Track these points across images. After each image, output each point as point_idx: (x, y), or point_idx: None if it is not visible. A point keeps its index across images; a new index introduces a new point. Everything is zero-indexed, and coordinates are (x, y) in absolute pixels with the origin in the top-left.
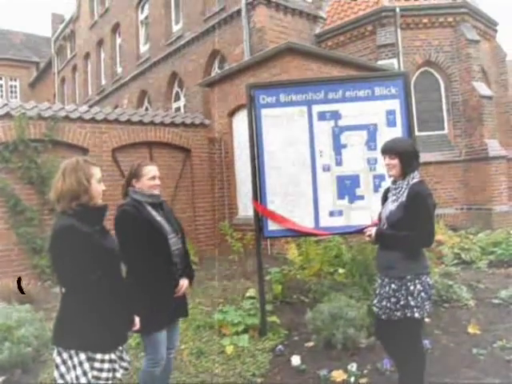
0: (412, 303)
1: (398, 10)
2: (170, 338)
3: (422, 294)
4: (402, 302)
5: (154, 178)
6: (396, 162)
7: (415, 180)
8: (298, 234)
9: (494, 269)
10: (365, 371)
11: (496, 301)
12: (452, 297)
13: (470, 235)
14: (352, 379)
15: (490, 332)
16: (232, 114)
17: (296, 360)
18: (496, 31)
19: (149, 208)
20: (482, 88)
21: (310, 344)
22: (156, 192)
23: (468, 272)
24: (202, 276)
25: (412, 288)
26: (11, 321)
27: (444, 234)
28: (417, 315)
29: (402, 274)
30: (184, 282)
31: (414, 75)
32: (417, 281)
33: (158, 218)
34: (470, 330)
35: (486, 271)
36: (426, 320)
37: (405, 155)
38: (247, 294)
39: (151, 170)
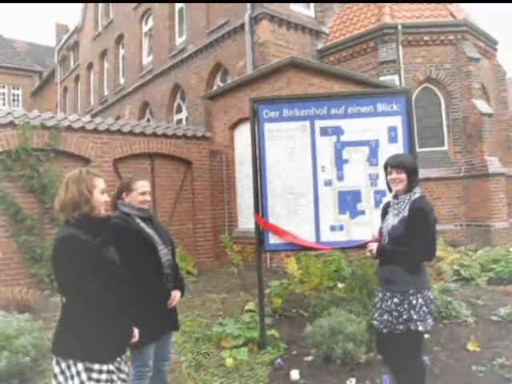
0: (415, 317)
1: (399, 27)
2: (162, 351)
3: (424, 308)
4: (404, 316)
5: (144, 193)
6: (403, 176)
7: (417, 195)
8: (298, 248)
9: (493, 286)
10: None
11: (495, 318)
12: (451, 313)
13: (469, 252)
14: None
15: (489, 349)
16: (234, 127)
17: (295, 374)
18: (496, 49)
19: (138, 220)
20: (482, 105)
21: (309, 358)
22: (145, 206)
23: (467, 289)
24: (201, 288)
25: (414, 302)
26: (10, 329)
27: (443, 250)
28: (420, 328)
29: (405, 289)
30: (176, 294)
31: (415, 92)
32: (419, 295)
33: (148, 229)
34: (470, 346)
35: (486, 288)
36: (426, 336)
37: (412, 170)
38: (246, 307)
39: (143, 186)
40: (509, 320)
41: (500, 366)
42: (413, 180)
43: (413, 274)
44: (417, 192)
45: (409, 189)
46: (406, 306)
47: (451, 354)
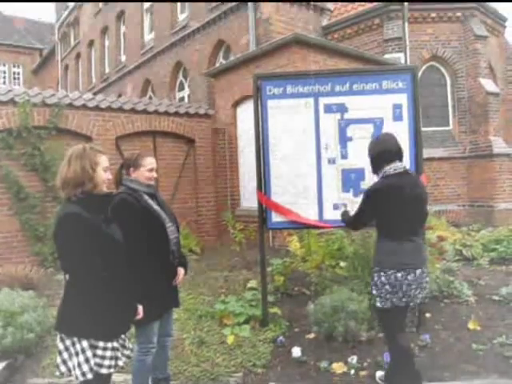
0: (374, 292)
1: (406, 3)
2: (165, 327)
3: (387, 286)
4: (373, 292)
5: (151, 170)
6: (369, 161)
7: (376, 179)
8: (301, 226)
9: (494, 266)
10: (365, 364)
11: (496, 297)
12: (453, 293)
13: (472, 232)
14: (352, 372)
15: (489, 328)
16: (236, 104)
17: (296, 351)
18: (505, 27)
19: (146, 197)
20: (489, 84)
21: (311, 336)
22: (152, 183)
23: (469, 268)
24: (204, 266)
25: (376, 279)
26: (14, 307)
27: (446, 230)
28: (378, 304)
29: (372, 265)
30: (181, 271)
31: (421, 70)
32: (382, 273)
33: (155, 206)
34: (470, 325)
35: (487, 268)
36: (427, 315)
37: (370, 157)
38: (249, 285)
39: (151, 163)
40: (510, 299)
41: (500, 345)
42: (374, 165)
43: (379, 254)
44: (379, 176)
45: (374, 172)
46: (372, 282)
47: (452, 332)
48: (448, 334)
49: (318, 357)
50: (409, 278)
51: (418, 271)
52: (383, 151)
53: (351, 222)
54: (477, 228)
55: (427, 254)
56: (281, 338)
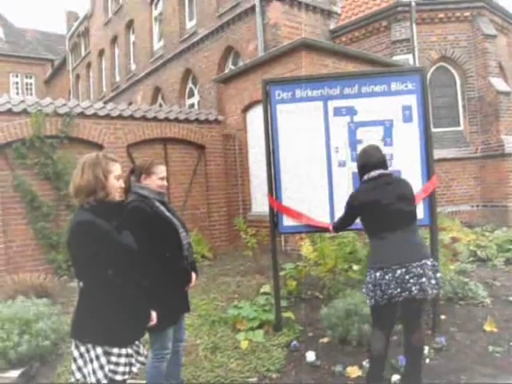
0: (363, 291)
1: (413, 4)
2: (177, 332)
3: (370, 285)
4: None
5: (163, 178)
6: None
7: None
8: (312, 230)
9: (510, 266)
10: None
11: None
12: (468, 294)
13: (485, 232)
14: None
15: (506, 330)
16: (246, 110)
17: (311, 356)
18: None
19: (157, 204)
20: (499, 83)
21: (325, 340)
22: (163, 191)
23: (484, 269)
24: (217, 272)
25: (367, 278)
26: (29, 314)
27: (459, 231)
28: (367, 302)
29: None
30: (194, 276)
31: (430, 71)
32: (367, 273)
33: (167, 213)
34: (486, 327)
35: (503, 269)
36: (442, 317)
37: (357, 167)
38: (262, 290)
39: (163, 171)
40: None
41: None
42: (359, 174)
43: (370, 254)
44: (362, 183)
45: (360, 180)
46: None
47: (468, 334)
48: (464, 336)
49: (333, 361)
50: (386, 277)
51: (399, 271)
52: (366, 163)
53: (337, 226)
54: (491, 228)
55: (424, 251)
56: (295, 342)
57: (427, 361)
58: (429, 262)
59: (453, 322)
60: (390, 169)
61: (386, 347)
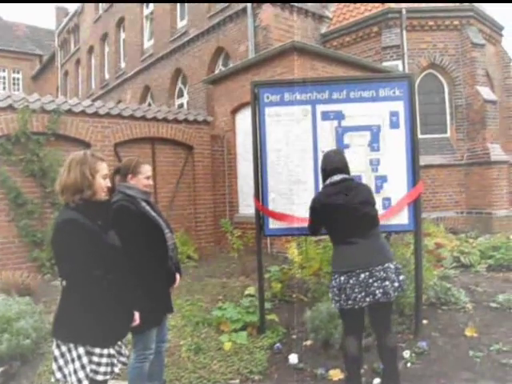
0: (330, 295)
1: (404, 11)
2: (160, 332)
3: (334, 289)
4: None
5: (149, 177)
6: None
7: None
8: (298, 233)
9: (492, 273)
10: (362, 371)
11: (493, 304)
12: (450, 299)
13: (470, 239)
14: None
15: (486, 335)
16: (235, 111)
17: (293, 358)
18: (501, 35)
19: (143, 204)
20: (486, 92)
21: (308, 343)
22: (149, 190)
23: (467, 275)
24: (202, 273)
25: (331, 282)
26: (11, 313)
27: (444, 237)
28: (333, 305)
29: None
30: (177, 277)
31: (419, 77)
32: (332, 277)
33: (153, 213)
34: (467, 332)
35: (485, 275)
36: (424, 322)
37: (320, 170)
38: (246, 292)
39: (149, 170)
40: (507, 306)
41: (497, 352)
42: (322, 178)
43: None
44: (324, 187)
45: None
46: None
47: (449, 339)
48: (445, 340)
49: (315, 364)
50: (350, 281)
51: (363, 275)
52: (326, 167)
53: (308, 230)
54: (475, 235)
55: (387, 255)
56: (278, 344)
57: (408, 365)
58: (392, 265)
59: (435, 327)
60: (375, 174)
61: (360, 350)
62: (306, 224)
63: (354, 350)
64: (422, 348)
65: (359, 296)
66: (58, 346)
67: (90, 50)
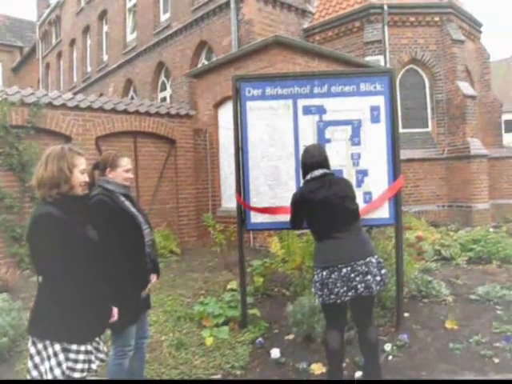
0: (312, 289)
1: (385, 7)
2: (141, 328)
3: (317, 284)
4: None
5: (128, 170)
6: None
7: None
8: (279, 227)
9: (472, 265)
10: (344, 365)
11: (473, 297)
12: (431, 292)
13: (450, 232)
14: None
15: (466, 327)
16: (218, 105)
17: (275, 353)
18: (480, 32)
19: (122, 198)
20: (466, 87)
21: (290, 337)
22: (128, 184)
23: (447, 268)
24: (184, 267)
25: (314, 277)
26: None
27: (425, 230)
28: (317, 300)
29: None
30: (153, 278)
31: (400, 73)
32: (315, 272)
33: (132, 208)
34: (448, 325)
35: (465, 267)
36: (405, 315)
37: (301, 165)
38: (228, 286)
39: (128, 163)
40: (486, 299)
41: (476, 343)
42: (302, 172)
43: (314, 254)
44: (305, 182)
45: (303, 178)
46: None
47: (430, 332)
48: (426, 333)
49: (297, 358)
50: (332, 276)
51: (345, 270)
52: (306, 162)
53: (290, 224)
54: (455, 228)
55: (369, 249)
56: (260, 339)
57: (390, 357)
58: (373, 260)
59: (416, 320)
60: (356, 168)
61: (342, 344)
62: (288, 216)
63: (336, 344)
64: (403, 341)
65: (341, 290)
66: (34, 344)
67: (72, 42)
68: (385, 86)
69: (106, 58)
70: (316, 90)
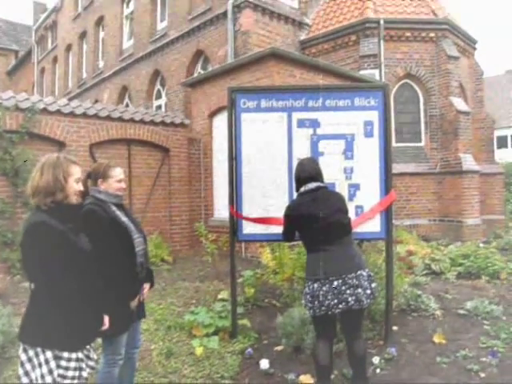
0: (302, 301)
1: (382, 21)
2: (133, 338)
3: (308, 296)
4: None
5: (120, 180)
6: None
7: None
8: (271, 239)
9: (461, 280)
10: (332, 376)
11: (462, 311)
12: (420, 306)
13: (441, 246)
14: None
15: (454, 342)
16: (213, 115)
17: (264, 363)
18: (475, 49)
19: (113, 208)
20: (460, 103)
21: (280, 348)
22: (120, 193)
23: (437, 282)
24: (176, 276)
25: (305, 289)
26: None
27: (416, 244)
28: (307, 312)
29: None
30: (146, 287)
31: (395, 87)
32: (306, 284)
33: (124, 218)
34: (436, 339)
35: (454, 282)
36: (394, 328)
37: (294, 178)
38: (219, 296)
39: (120, 173)
40: (474, 313)
41: (463, 358)
42: (296, 185)
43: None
44: (299, 195)
45: (296, 191)
46: None
47: (418, 345)
48: (414, 347)
49: (286, 369)
50: (324, 288)
51: (336, 282)
52: (300, 175)
53: (282, 236)
54: (446, 243)
55: (359, 262)
56: (249, 349)
57: (378, 370)
58: (364, 273)
59: (404, 333)
60: (349, 182)
61: (331, 356)
62: (280, 228)
63: (325, 356)
64: (391, 354)
65: (332, 303)
66: (25, 351)
67: (68, 47)
68: (379, 101)
69: (101, 64)
70: (310, 104)
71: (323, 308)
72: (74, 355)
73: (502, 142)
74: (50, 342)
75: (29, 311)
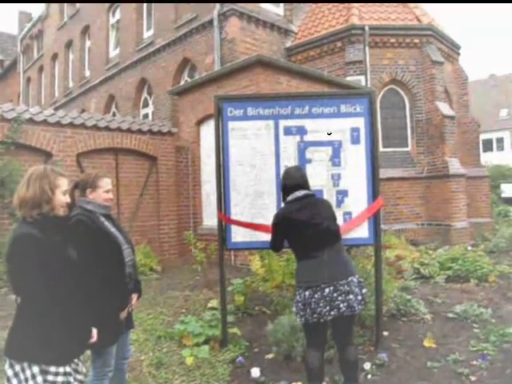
0: (294, 309)
1: (367, 28)
2: (122, 349)
3: (299, 304)
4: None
5: (108, 191)
6: None
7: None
8: (260, 247)
9: (450, 284)
10: (323, 383)
11: (451, 315)
12: (410, 311)
13: (429, 250)
14: None
15: (444, 345)
16: (200, 123)
17: (255, 372)
18: (459, 54)
19: (102, 219)
20: (445, 108)
21: (270, 356)
22: (108, 204)
23: (426, 287)
24: (165, 285)
25: (296, 297)
26: None
27: (405, 248)
28: (298, 320)
29: None
30: (134, 298)
31: (381, 93)
32: (297, 292)
33: (112, 229)
34: (426, 343)
35: (444, 286)
36: (385, 333)
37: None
38: (209, 305)
39: (108, 183)
40: (463, 317)
41: (453, 362)
42: (282, 194)
43: (296, 273)
44: (287, 203)
45: (283, 200)
46: None
47: (408, 350)
48: (404, 351)
49: (277, 377)
50: (315, 296)
51: (327, 289)
52: (286, 183)
53: (270, 245)
54: (434, 246)
55: (350, 269)
56: (240, 358)
57: (369, 376)
58: (355, 279)
59: (395, 338)
60: (336, 189)
61: (322, 363)
62: (268, 235)
63: (316, 363)
64: (382, 359)
65: (324, 310)
66: (12, 366)
67: (54, 57)
68: (364, 107)
69: (88, 73)
70: (297, 111)
71: (315, 315)
72: (61, 369)
73: (488, 146)
74: (36, 356)
75: (15, 325)
